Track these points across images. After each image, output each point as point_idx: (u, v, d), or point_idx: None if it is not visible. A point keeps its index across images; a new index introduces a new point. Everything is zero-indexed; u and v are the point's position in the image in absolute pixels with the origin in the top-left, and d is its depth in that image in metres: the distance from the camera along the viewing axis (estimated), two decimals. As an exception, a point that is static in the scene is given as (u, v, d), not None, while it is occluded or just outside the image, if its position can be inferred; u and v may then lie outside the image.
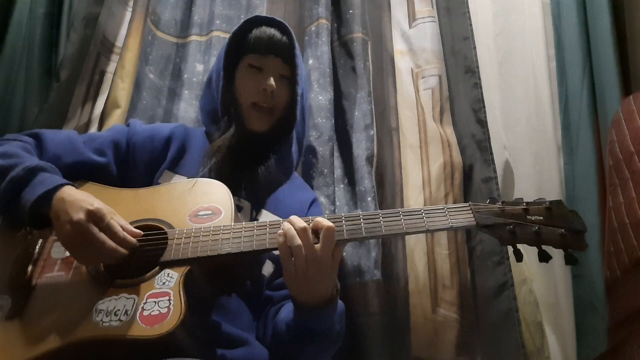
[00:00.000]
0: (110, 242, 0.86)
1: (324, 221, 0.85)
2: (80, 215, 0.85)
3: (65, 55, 1.52)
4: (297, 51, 1.18)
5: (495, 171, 1.42)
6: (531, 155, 1.54)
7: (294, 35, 1.18)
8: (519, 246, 0.87)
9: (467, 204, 0.90)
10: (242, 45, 1.16)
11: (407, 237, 1.37)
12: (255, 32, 1.16)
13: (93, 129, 1.52)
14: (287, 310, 0.98)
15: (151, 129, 1.18)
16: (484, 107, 1.49)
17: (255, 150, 1.13)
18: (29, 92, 1.52)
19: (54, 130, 1.12)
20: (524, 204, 0.89)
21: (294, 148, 1.21)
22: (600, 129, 1.51)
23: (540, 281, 1.40)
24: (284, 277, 0.88)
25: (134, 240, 0.89)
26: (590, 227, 1.39)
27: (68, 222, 0.85)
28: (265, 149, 1.14)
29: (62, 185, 0.91)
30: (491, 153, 1.44)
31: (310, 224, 0.86)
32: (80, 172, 1.05)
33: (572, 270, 1.41)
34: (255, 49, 1.15)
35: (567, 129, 1.57)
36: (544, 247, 0.86)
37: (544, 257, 0.85)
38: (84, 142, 1.10)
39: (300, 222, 0.86)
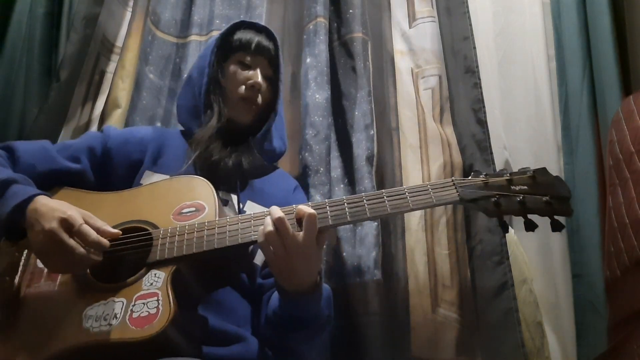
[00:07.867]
0: (80, 249, 0.85)
1: (305, 208, 0.85)
2: (53, 224, 0.85)
3: (65, 55, 1.52)
4: (281, 55, 1.26)
5: (495, 171, 1.42)
6: (531, 155, 1.54)
7: (278, 41, 1.25)
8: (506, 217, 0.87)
9: (449, 180, 0.89)
10: (229, 45, 1.21)
11: (407, 236, 1.37)
12: (244, 34, 1.23)
13: (93, 129, 1.52)
14: (275, 298, 0.98)
15: (126, 133, 1.20)
16: (484, 107, 1.49)
17: (236, 140, 1.15)
18: (29, 92, 1.52)
19: (26, 142, 1.13)
20: (508, 174, 0.88)
21: (276, 142, 1.25)
22: (600, 129, 1.51)
23: (540, 281, 1.39)
24: (268, 266, 0.89)
25: (106, 242, 0.87)
26: (590, 227, 1.42)
27: (41, 232, 0.85)
28: (245, 139, 1.16)
29: (35, 195, 0.90)
30: (491, 153, 1.44)
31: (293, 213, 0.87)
32: (56, 180, 1.05)
33: (572, 270, 1.41)
34: (246, 49, 1.21)
35: (567, 129, 1.57)
36: (529, 216, 0.85)
37: (530, 227, 0.84)
38: (57, 150, 1.10)
39: (277, 212, 0.86)
